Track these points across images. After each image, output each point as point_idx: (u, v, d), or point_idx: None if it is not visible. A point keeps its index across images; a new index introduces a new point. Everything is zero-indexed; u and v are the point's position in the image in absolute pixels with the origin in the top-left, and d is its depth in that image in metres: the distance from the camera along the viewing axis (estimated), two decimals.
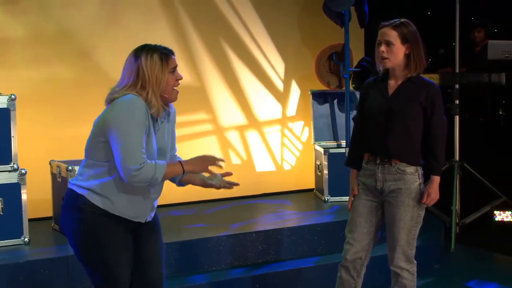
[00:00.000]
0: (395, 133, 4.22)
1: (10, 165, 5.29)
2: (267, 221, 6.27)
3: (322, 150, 7.08)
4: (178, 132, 7.05)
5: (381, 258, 5.96)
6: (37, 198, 5.98)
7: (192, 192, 7.05)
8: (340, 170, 6.94)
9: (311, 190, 7.63)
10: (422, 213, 4.37)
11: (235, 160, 7.48)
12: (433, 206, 7.45)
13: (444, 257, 6.75)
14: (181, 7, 7.15)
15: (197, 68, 7.25)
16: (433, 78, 7.65)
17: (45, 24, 6.42)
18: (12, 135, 5.27)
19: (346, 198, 6.87)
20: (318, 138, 7.51)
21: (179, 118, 6.92)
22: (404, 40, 4.21)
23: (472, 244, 7.15)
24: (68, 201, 3.61)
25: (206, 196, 7.11)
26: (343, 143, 7.31)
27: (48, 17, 6.43)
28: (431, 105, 4.23)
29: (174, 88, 3.62)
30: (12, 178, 5.30)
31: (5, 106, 5.25)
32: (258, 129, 7.59)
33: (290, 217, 6.47)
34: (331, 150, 7.05)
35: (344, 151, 7.01)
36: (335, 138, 7.47)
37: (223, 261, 5.54)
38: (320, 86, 7.74)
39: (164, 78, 3.53)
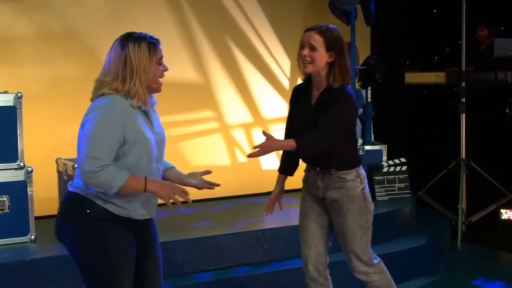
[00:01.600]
0: None
1: (16, 163, 5.30)
2: (273, 219, 6.25)
3: None
4: (184, 130, 7.13)
5: (384, 256, 5.97)
6: (43, 196, 5.99)
7: (198, 190, 7.08)
8: None
9: None
10: (371, 218, 4.24)
11: (240, 158, 7.47)
12: (440, 204, 7.50)
13: (451, 255, 6.74)
14: (187, 5, 7.16)
15: (203, 66, 7.26)
16: (439, 77, 7.65)
17: (51, 22, 6.43)
18: (18, 133, 5.28)
19: None
20: None
21: (185, 116, 7.04)
22: (329, 47, 4.00)
23: (478, 242, 7.15)
24: (70, 205, 3.45)
25: (211, 195, 7.10)
26: None
27: (54, 15, 6.44)
28: (331, 103, 3.96)
29: (160, 79, 3.49)
30: (18, 176, 5.30)
31: (11, 104, 5.26)
32: (264, 127, 7.58)
33: (296, 215, 6.39)
34: None
35: None
36: None
37: (229, 259, 5.54)
38: None
39: (152, 68, 3.40)
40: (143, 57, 3.37)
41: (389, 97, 8.23)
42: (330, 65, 4.02)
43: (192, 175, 3.75)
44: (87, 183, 3.30)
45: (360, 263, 4.26)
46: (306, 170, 4.33)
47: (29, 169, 5.33)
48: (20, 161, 5.31)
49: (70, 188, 3.47)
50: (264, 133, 3.89)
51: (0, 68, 6.18)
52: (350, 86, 4.14)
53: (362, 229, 4.20)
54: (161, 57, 3.47)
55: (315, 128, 3.95)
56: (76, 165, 5.40)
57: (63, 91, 6.44)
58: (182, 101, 7.06)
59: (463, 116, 7.28)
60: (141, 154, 3.39)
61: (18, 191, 5.29)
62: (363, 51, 7.82)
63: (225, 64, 7.39)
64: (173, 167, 3.75)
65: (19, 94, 5.27)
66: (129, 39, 3.40)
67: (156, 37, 3.49)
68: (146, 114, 3.46)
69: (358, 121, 7.30)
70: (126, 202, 3.42)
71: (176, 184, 3.50)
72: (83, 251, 3.40)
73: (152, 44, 3.42)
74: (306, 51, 4.01)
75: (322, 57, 4.00)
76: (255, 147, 3.86)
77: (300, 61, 4.07)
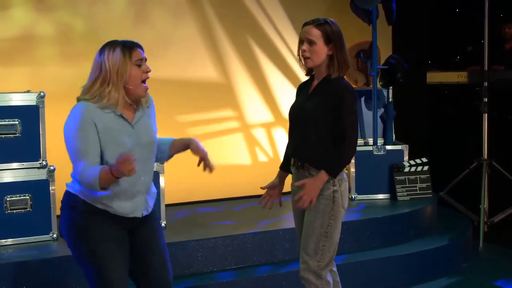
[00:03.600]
0: (304, 135, 4.04)
1: (39, 162, 5.33)
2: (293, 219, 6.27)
3: None
4: (204, 129, 7.14)
5: (405, 257, 5.95)
6: None
7: (220, 190, 7.10)
8: (367, 168, 6.94)
9: None
10: (335, 224, 4.02)
11: (261, 157, 7.48)
12: (461, 205, 7.47)
13: (472, 256, 6.71)
14: (208, 4, 7.17)
15: (223, 65, 7.26)
16: (461, 76, 7.61)
17: (73, 22, 6.47)
18: (41, 132, 5.31)
19: (374, 196, 6.95)
20: None
21: (205, 115, 7.05)
22: (327, 40, 4.01)
23: (500, 243, 7.11)
24: (64, 201, 3.70)
25: (233, 194, 7.14)
26: (370, 141, 7.28)
27: (76, 15, 6.47)
28: (339, 104, 3.92)
29: (142, 82, 3.62)
30: (41, 174, 5.33)
31: (34, 103, 5.29)
32: (284, 127, 7.57)
33: None
34: (358, 148, 6.99)
35: (372, 149, 6.99)
36: (362, 136, 7.43)
37: (250, 258, 5.54)
38: None
39: (127, 71, 3.55)
40: (116, 61, 3.56)
41: (411, 97, 8.20)
42: (330, 57, 4.03)
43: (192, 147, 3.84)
44: (83, 186, 3.54)
45: (308, 266, 4.05)
46: (291, 166, 4.24)
47: (51, 167, 5.36)
48: (43, 160, 5.34)
49: (67, 187, 3.73)
50: (298, 184, 3.96)
51: (23, 68, 6.23)
52: (346, 79, 4.13)
53: (322, 230, 4.01)
54: (140, 59, 3.61)
55: (303, 119, 4.02)
56: None
57: None
58: (203, 100, 7.07)
59: (485, 116, 7.24)
60: (115, 155, 3.48)
61: (40, 190, 5.33)
62: (385, 50, 7.79)
63: (246, 64, 7.39)
64: (172, 140, 3.90)
65: (42, 93, 5.30)
66: (106, 46, 3.65)
67: (135, 41, 3.68)
68: (123, 117, 3.60)
69: (379, 121, 7.28)
70: (108, 201, 3.58)
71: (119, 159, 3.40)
72: (72, 243, 3.63)
73: (127, 47, 3.61)
74: (305, 46, 4.03)
75: (321, 50, 4.02)
76: (297, 201, 3.93)
77: (300, 57, 4.09)
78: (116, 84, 3.54)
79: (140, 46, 3.65)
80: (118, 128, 3.57)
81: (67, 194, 3.68)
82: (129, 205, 3.63)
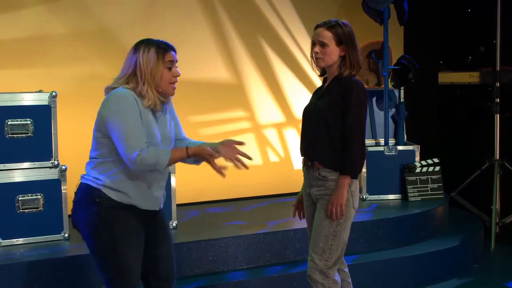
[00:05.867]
0: (314, 134, 4.10)
1: (50, 162, 5.35)
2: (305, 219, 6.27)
3: None
4: (216, 129, 7.14)
5: (416, 257, 5.94)
6: None
7: (230, 190, 7.10)
8: (378, 169, 6.93)
9: None
10: (344, 223, 4.05)
11: (272, 157, 7.48)
12: (473, 205, 7.44)
13: (484, 257, 6.69)
14: (219, 5, 7.18)
15: (235, 66, 7.27)
16: (473, 77, 7.58)
17: (85, 22, 6.48)
18: (53, 131, 5.34)
19: (385, 197, 6.95)
20: None
21: (217, 116, 7.06)
22: (339, 41, 4.07)
23: None
24: (83, 194, 3.72)
25: (244, 194, 7.14)
26: (382, 141, 7.27)
27: (88, 15, 6.49)
28: (347, 103, 3.98)
29: (171, 83, 3.71)
30: (52, 174, 5.35)
31: (46, 103, 5.31)
32: (296, 127, 7.58)
33: None
34: (370, 149, 7.01)
35: (383, 149, 6.98)
36: (374, 136, 7.43)
37: (261, 258, 5.55)
38: None
39: (159, 72, 3.64)
40: (150, 61, 3.62)
41: (422, 97, 8.18)
42: (342, 58, 4.10)
43: (223, 144, 3.86)
44: (138, 169, 3.57)
45: (315, 264, 4.09)
46: (302, 166, 4.32)
47: (63, 167, 5.38)
48: (54, 160, 5.36)
49: (82, 180, 3.76)
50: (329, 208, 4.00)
51: (35, 68, 6.25)
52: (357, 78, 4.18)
53: (331, 229, 4.05)
54: (172, 61, 3.68)
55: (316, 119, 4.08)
56: None
57: (97, 90, 6.41)
58: (214, 101, 7.08)
59: (497, 116, 7.22)
60: (153, 143, 3.65)
61: (52, 189, 5.35)
62: (396, 50, 7.78)
63: (258, 64, 7.40)
64: (202, 143, 3.93)
65: (54, 93, 5.32)
66: (141, 44, 3.68)
67: (170, 43, 3.73)
68: (153, 113, 3.71)
69: (390, 121, 7.27)
70: (132, 195, 3.67)
71: (207, 148, 3.64)
72: (92, 235, 3.67)
73: (161, 49, 3.66)
74: (317, 48, 4.10)
75: (333, 52, 4.08)
76: (330, 212, 3.99)
77: (313, 58, 4.15)
78: (149, 84, 3.63)
79: (173, 49, 3.72)
80: (150, 119, 3.67)
81: (87, 188, 3.70)
82: (151, 198, 3.74)
